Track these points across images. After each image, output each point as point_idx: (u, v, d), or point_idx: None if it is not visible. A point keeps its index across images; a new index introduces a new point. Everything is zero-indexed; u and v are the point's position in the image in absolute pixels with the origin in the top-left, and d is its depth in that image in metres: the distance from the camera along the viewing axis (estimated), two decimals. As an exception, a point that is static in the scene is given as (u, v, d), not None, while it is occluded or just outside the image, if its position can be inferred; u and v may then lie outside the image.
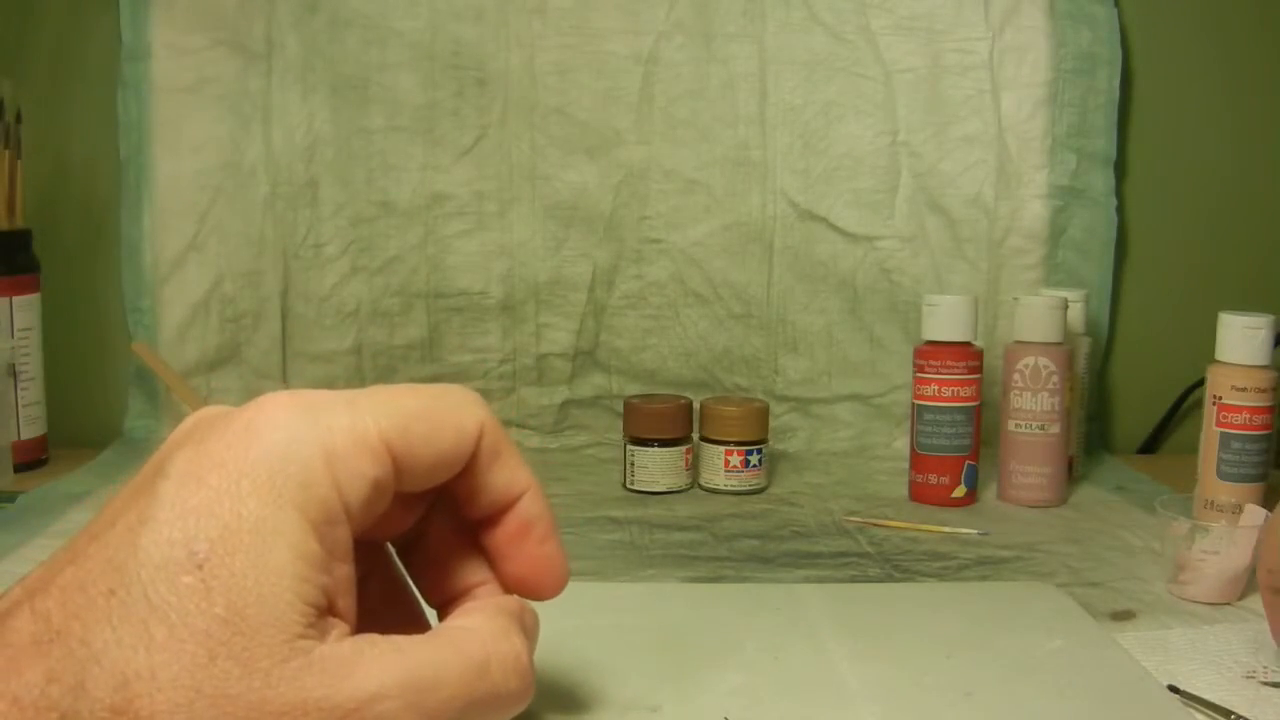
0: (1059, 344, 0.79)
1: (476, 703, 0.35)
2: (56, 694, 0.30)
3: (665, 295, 0.97)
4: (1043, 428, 0.79)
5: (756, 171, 0.96)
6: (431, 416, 0.36)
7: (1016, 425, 0.80)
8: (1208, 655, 0.53)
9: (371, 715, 0.32)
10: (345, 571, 0.34)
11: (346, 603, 0.34)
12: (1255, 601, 0.56)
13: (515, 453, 0.39)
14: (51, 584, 0.32)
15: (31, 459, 0.88)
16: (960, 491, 0.80)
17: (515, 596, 0.40)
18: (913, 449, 0.81)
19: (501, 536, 0.39)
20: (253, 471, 0.32)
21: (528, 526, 0.39)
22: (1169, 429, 1.01)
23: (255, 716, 0.31)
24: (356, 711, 0.32)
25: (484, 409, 0.38)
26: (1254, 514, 0.62)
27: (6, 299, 0.86)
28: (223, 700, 0.30)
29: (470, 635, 0.36)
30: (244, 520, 0.32)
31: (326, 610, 0.33)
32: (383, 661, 0.33)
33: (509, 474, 0.38)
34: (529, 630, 0.40)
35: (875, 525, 0.75)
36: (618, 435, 0.87)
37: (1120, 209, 0.97)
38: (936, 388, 0.79)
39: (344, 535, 0.34)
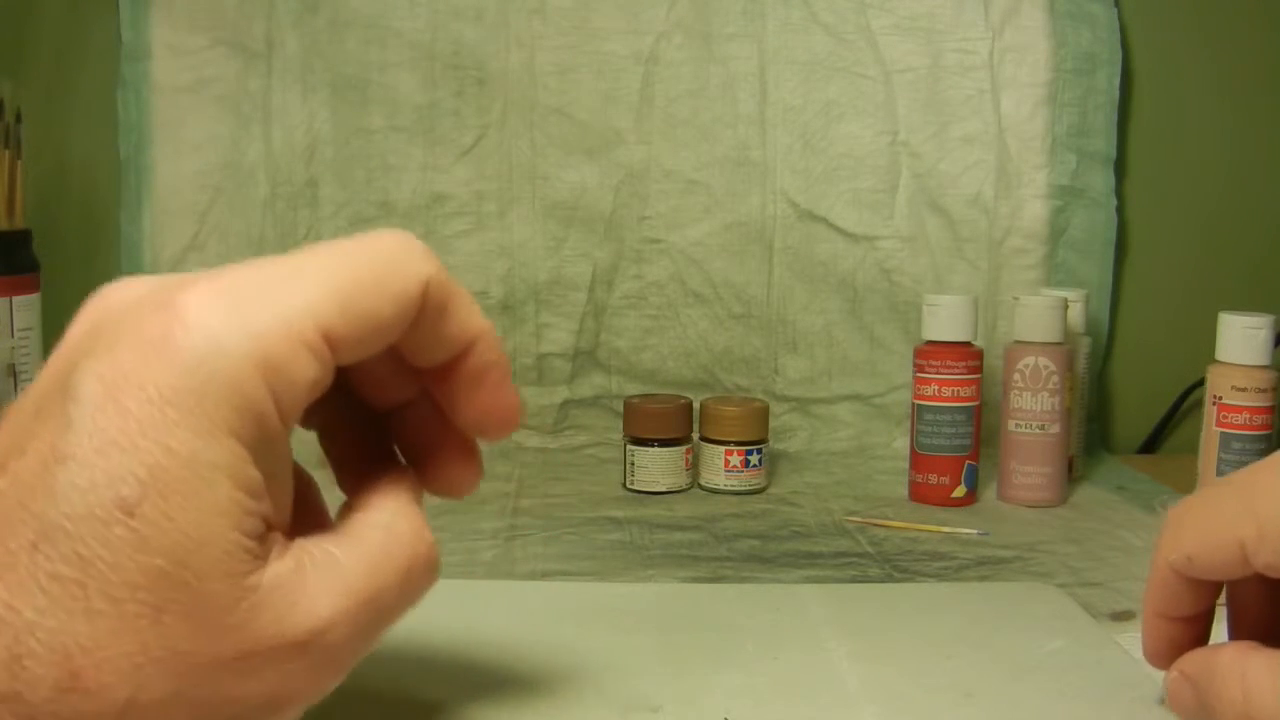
0: (1059, 344, 0.79)
1: (405, 605, 0.34)
2: None
3: (665, 295, 0.97)
4: (1043, 428, 0.79)
5: (756, 171, 0.96)
6: (371, 286, 0.32)
7: (1016, 425, 0.80)
8: (1208, 655, 0.53)
9: (322, 645, 0.31)
10: (283, 485, 0.32)
11: (283, 517, 0.32)
12: (1255, 601, 0.56)
13: (465, 300, 0.35)
14: None
15: (31, 459, 0.88)
16: (960, 491, 0.80)
17: (410, 473, 0.38)
18: (913, 449, 0.81)
19: (454, 385, 0.36)
20: (177, 397, 0.29)
21: (481, 375, 0.36)
22: (1169, 429, 1.01)
23: (210, 670, 0.29)
24: (308, 643, 0.30)
25: (427, 260, 0.34)
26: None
27: (6, 299, 0.86)
28: (174, 659, 0.28)
29: (394, 540, 0.34)
30: (175, 455, 0.28)
31: (266, 531, 0.31)
32: (327, 585, 0.31)
33: (458, 325, 0.35)
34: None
35: (875, 525, 0.75)
36: (618, 435, 0.87)
37: (1120, 209, 0.97)
38: (936, 388, 0.79)
39: (283, 451, 0.32)
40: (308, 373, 0.31)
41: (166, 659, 0.28)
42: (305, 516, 0.35)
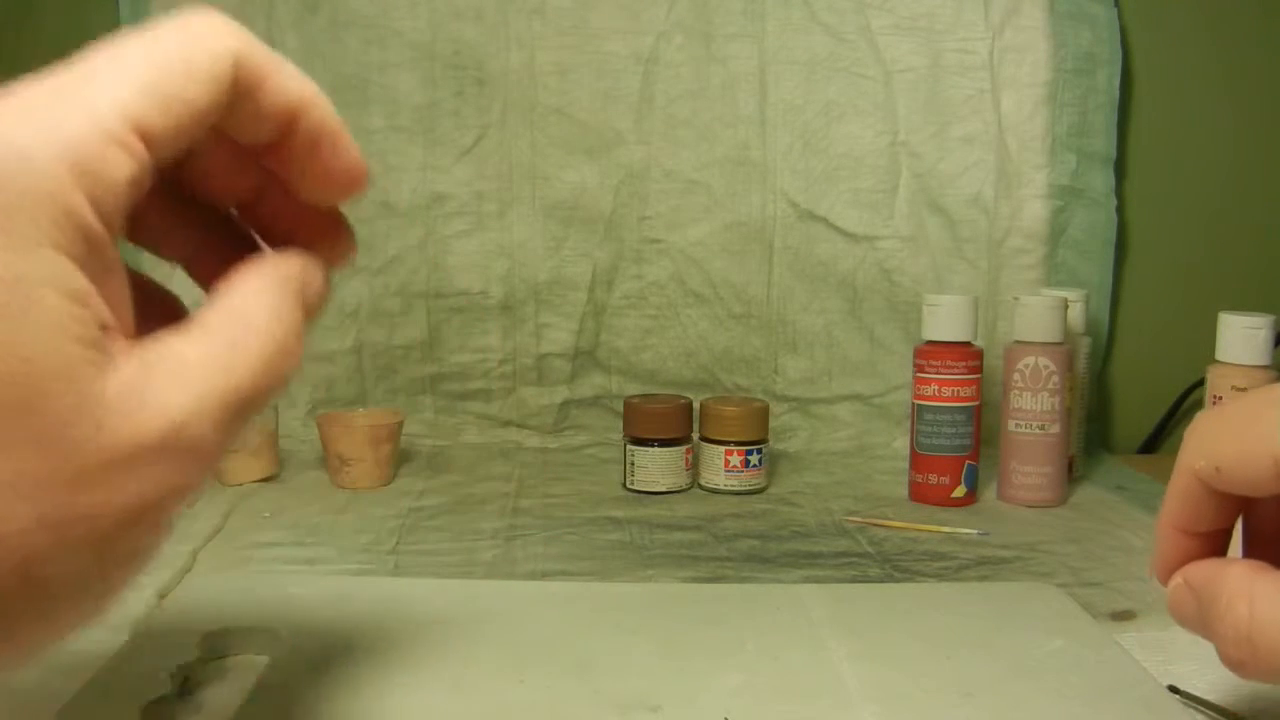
0: (1059, 344, 0.79)
1: (265, 392, 0.33)
2: None
3: (665, 295, 0.97)
4: (1043, 428, 0.79)
5: (756, 171, 0.96)
6: (177, 70, 0.31)
7: (1016, 425, 0.80)
8: (1208, 655, 0.52)
9: (179, 443, 0.30)
10: (116, 287, 0.30)
11: (123, 322, 0.30)
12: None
13: (282, 69, 0.33)
14: None
15: (31, 459, 0.88)
16: (960, 491, 0.80)
17: (298, 256, 0.37)
18: (913, 449, 0.81)
19: (290, 158, 0.35)
20: None
21: (314, 142, 0.35)
22: (1169, 429, 1.01)
23: (68, 488, 0.28)
24: (163, 444, 0.29)
25: (234, 34, 0.32)
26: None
27: (6, 299, 0.86)
28: (28, 484, 0.27)
29: (246, 327, 0.33)
30: None
31: (104, 338, 0.29)
32: (175, 381, 0.30)
33: (278, 95, 0.33)
34: (312, 293, 0.36)
35: (875, 525, 0.75)
36: (618, 435, 0.87)
37: (1120, 209, 0.97)
38: (936, 388, 0.79)
39: (110, 254, 0.30)
40: (123, 170, 0.29)
41: (20, 484, 0.27)
42: (163, 323, 0.34)
